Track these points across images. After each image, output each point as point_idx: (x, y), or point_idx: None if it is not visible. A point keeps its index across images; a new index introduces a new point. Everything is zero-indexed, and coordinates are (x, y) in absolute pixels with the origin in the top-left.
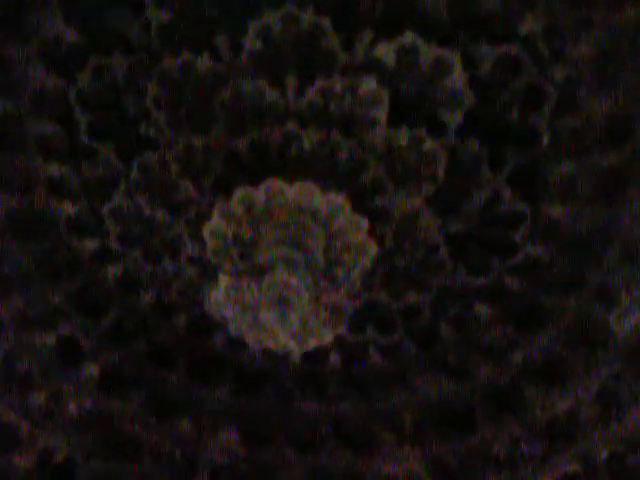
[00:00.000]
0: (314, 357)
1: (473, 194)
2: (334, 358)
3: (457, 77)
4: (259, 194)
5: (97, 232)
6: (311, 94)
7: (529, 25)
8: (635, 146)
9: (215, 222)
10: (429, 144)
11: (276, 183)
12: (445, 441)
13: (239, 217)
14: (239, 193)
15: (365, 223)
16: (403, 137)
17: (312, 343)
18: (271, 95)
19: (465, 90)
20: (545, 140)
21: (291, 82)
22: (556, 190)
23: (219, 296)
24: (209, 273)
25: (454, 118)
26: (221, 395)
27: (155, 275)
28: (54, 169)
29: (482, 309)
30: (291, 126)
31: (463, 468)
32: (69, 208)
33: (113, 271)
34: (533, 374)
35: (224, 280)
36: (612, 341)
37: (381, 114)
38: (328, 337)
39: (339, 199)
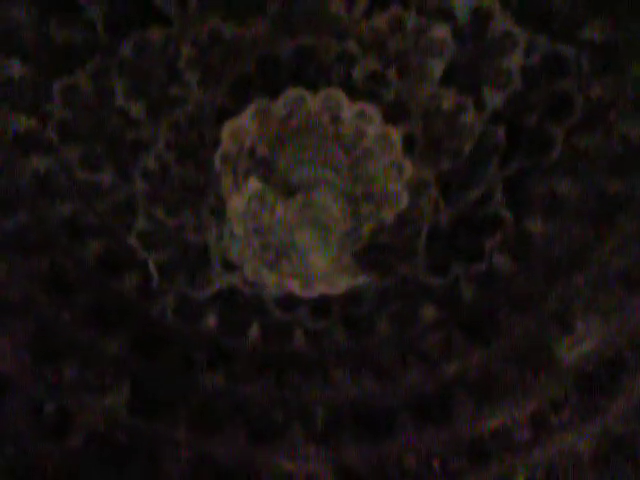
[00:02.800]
0: (233, 328)
1: (475, 185)
2: (255, 333)
3: (515, 61)
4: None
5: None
6: (379, 20)
7: (592, 32)
8: None
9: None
10: (470, 117)
11: (297, 91)
12: (357, 445)
13: (254, 132)
14: (254, 105)
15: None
16: (448, 100)
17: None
18: (336, 5)
19: (513, 75)
20: (556, 152)
21: (363, 1)
22: (543, 206)
23: (240, 206)
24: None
25: (495, 99)
26: (116, 347)
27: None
28: None
29: (428, 311)
30: (350, 45)
31: (371, 477)
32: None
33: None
34: (465, 387)
35: (253, 187)
36: (556, 367)
37: (438, 68)
38: (344, 285)
39: (369, 108)
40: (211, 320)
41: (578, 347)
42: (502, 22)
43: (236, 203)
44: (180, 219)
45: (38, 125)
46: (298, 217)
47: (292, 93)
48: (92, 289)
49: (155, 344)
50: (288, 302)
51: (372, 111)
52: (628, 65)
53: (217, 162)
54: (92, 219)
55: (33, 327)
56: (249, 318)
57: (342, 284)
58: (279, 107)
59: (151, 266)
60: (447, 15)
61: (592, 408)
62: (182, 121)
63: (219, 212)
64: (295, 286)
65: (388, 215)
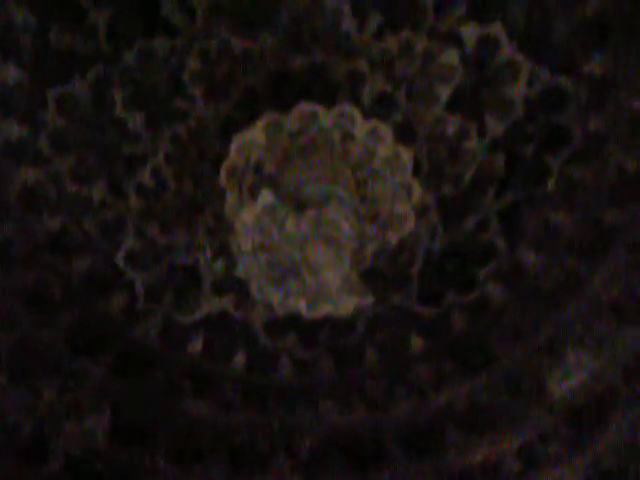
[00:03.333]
0: (218, 354)
1: (472, 212)
2: (241, 360)
3: (518, 91)
4: (288, 120)
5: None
6: (390, 41)
7: (591, 66)
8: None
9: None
10: (472, 143)
11: (309, 106)
12: (344, 477)
13: (262, 147)
14: (264, 119)
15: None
16: (453, 125)
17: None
18: (347, 24)
19: (516, 104)
20: (550, 184)
21: (375, 21)
22: (537, 236)
23: (250, 220)
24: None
25: (497, 127)
26: (98, 369)
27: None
28: None
29: (418, 341)
30: (360, 64)
31: None
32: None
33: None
34: (455, 418)
35: (264, 200)
36: (546, 399)
37: (445, 93)
38: (351, 305)
39: (382, 127)
40: (196, 345)
41: (568, 380)
42: (507, 51)
43: (246, 217)
44: (173, 238)
45: (30, 134)
46: (310, 233)
47: (304, 108)
48: (76, 307)
49: (138, 367)
50: (276, 329)
51: (384, 130)
52: (625, 99)
53: (222, 176)
54: (80, 235)
55: (11, 344)
56: (235, 344)
57: (349, 304)
58: (290, 121)
59: (138, 286)
60: (456, 41)
61: (581, 442)
62: (183, 135)
63: (215, 231)
64: (301, 306)
65: (392, 238)
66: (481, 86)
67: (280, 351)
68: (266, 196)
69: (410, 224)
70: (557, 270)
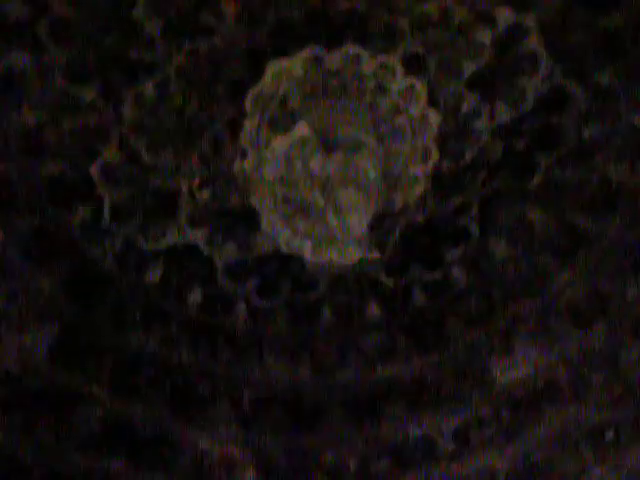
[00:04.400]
0: (172, 289)
1: (459, 194)
2: (195, 298)
3: (532, 82)
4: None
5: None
6: (432, 7)
7: (603, 75)
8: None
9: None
10: (482, 125)
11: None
12: (280, 433)
13: (296, 80)
14: (306, 51)
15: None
16: (468, 103)
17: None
18: None
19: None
20: (536, 180)
21: None
22: (510, 229)
23: (281, 149)
24: None
25: (506, 115)
26: (47, 283)
27: None
28: None
29: (375, 310)
30: (400, 21)
31: (289, 467)
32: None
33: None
34: (398, 392)
35: (302, 131)
36: (490, 386)
37: (469, 69)
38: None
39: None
40: (154, 275)
41: (513, 371)
42: (532, 43)
43: (277, 146)
44: (160, 159)
45: (31, 15)
46: (336, 175)
47: (350, 49)
48: (37, 213)
49: (89, 288)
50: (238, 273)
51: (420, 90)
52: (626, 112)
53: (248, 100)
54: (55, 136)
55: None
56: (194, 282)
57: (355, 255)
58: (332, 61)
59: (107, 203)
60: (490, 21)
61: (515, 431)
62: (203, 52)
63: (210, 159)
64: (306, 247)
65: (398, 200)
66: (501, 71)
67: (237, 296)
68: (302, 128)
69: (420, 189)
70: (523, 264)
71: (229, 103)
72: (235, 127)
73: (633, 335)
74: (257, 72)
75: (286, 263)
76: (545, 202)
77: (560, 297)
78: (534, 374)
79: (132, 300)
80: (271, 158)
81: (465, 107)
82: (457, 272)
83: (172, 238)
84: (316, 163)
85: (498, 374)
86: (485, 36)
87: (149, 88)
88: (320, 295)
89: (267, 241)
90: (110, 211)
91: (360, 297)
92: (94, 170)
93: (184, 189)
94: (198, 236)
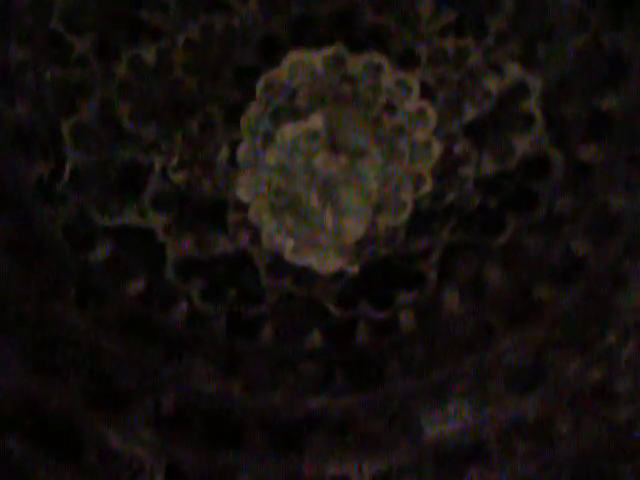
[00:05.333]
0: (116, 272)
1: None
2: (136, 287)
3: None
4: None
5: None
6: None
7: (602, 101)
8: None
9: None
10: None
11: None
12: (196, 448)
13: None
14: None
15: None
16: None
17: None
18: None
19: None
20: (500, 241)
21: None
22: (465, 286)
23: (290, 136)
24: None
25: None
26: None
27: None
28: None
29: (316, 337)
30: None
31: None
32: None
33: None
34: (326, 424)
35: (315, 123)
36: (417, 436)
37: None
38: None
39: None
40: (100, 254)
41: (443, 425)
42: (532, 105)
43: (288, 132)
44: (140, 130)
45: None
46: (338, 177)
47: (374, 57)
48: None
49: (32, 254)
50: (186, 269)
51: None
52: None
53: (259, 86)
54: (34, 79)
55: None
56: (139, 270)
57: (333, 265)
58: (354, 65)
59: (69, 165)
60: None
61: None
62: (218, 27)
63: (195, 142)
64: (287, 246)
65: (408, 199)
66: (498, 123)
67: (181, 294)
68: (317, 122)
69: (404, 216)
70: (472, 321)
71: (232, 88)
72: (232, 113)
73: (568, 409)
74: (269, 61)
75: (239, 270)
76: (505, 263)
77: (501, 360)
78: (463, 432)
79: (70, 275)
80: (278, 143)
81: (457, 149)
82: (406, 316)
83: (129, 217)
84: (321, 160)
85: (427, 426)
86: (492, 85)
87: (150, 53)
88: (265, 311)
89: (227, 243)
90: (70, 174)
91: (305, 322)
92: (65, 127)
93: (157, 167)
94: (158, 221)
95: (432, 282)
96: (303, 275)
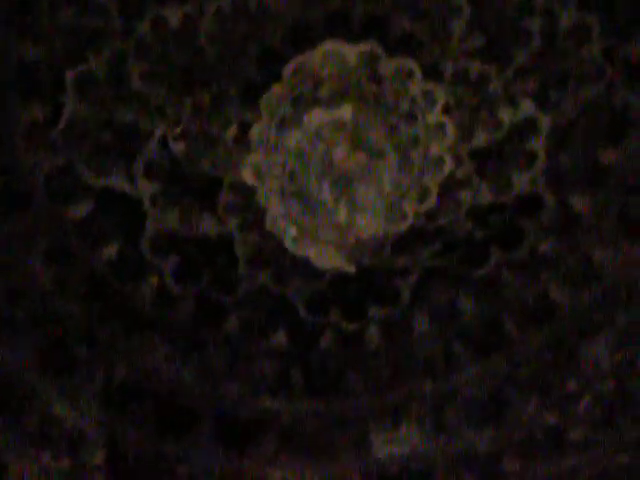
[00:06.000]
0: (88, 238)
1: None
2: (108, 254)
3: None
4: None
5: None
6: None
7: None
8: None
9: None
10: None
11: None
12: (142, 428)
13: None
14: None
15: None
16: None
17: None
18: None
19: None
20: (479, 273)
21: None
22: (437, 310)
23: (316, 121)
24: None
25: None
26: None
27: None
28: None
29: (281, 339)
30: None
31: (141, 468)
32: None
33: None
34: (276, 430)
35: (344, 112)
36: (365, 454)
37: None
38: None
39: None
40: (80, 211)
41: (392, 446)
42: (537, 144)
43: (315, 116)
44: (150, 89)
45: None
46: (359, 173)
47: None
48: None
49: (9, 195)
50: (165, 243)
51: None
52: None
53: (290, 67)
54: (46, 21)
55: None
56: (116, 235)
57: (330, 263)
58: (386, 68)
59: (66, 113)
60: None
61: None
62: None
63: (202, 117)
64: (289, 233)
65: (432, 185)
66: (503, 155)
67: (153, 268)
68: (347, 112)
69: (431, 201)
70: (438, 347)
71: (254, 67)
72: (248, 92)
73: (519, 449)
74: (296, 48)
75: (218, 255)
76: (481, 296)
77: (461, 390)
78: (412, 457)
79: (44, 228)
80: (304, 127)
81: (460, 173)
82: (374, 331)
83: (117, 181)
84: (341, 153)
85: (377, 445)
86: (505, 116)
87: (176, 17)
88: (235, 301)
89: (212, 225)
90: (65, 125)
91: (273, 320)
92: (70, 75)
93: (158, 134)
94: (145, 189)
95: (405, 302)
96: (281, 272)
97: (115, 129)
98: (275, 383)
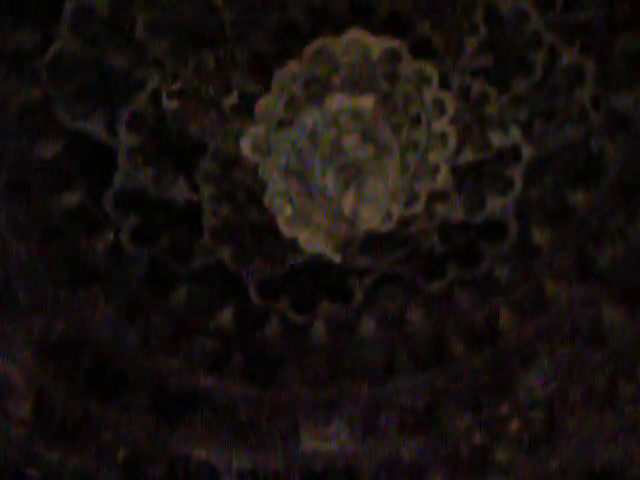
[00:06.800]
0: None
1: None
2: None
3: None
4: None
5: None
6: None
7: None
8: None
9: None
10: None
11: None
12: (74, 389)
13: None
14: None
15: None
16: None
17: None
18: None
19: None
20: (432, 287)
21: None
22: (386, 315)
23: (334, 106)
24: None
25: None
26: None
27: None
28: None
29: (226, 319)
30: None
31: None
32: None
33: None
34: (207, 407)
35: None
36: (292, 448)
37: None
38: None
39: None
40: (52, 151)
41: (320, 442)
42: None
43: (334, 101)
44: (154, 42)
45: None
46: (368, 165)
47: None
48: None
49: None
50: (129, 200)
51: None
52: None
53: (313, 46)
54: None
55: None
56: (80, 182)
57: (317, 247)
58: (405, 69)
59: (55, 46)
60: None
61: None
62: None
63: (204, 78)
64: (284, 212)
65: (422, 191)
66: (488, 171)
67: (111, 224)
68: (369, 101)
69: (442, 178)
70: (379, 353)
71: (271, 41)
72: (258, 63)
73: (445, 464)
74: (316, 33)
75: (183, 222)
76: (430, 310)
77: (397, 397)
78: (338, 456)
79: (7, 164)
80: (324, 107)
81: (452, 197)
82: (320, 326)
83: (93, 126)
84: (352, 141)
85: (305, 439)
86: (495, 139)
87: None
88: (186, 272)
89: (185, 191)
90: (52, 58)
91: (222, 298)
92: (69, 6)
93: (150, 87)
94: (124, 140)
95: (356, 303)
96: (243, 251)
97: (104, 73)
98: (214, 362)
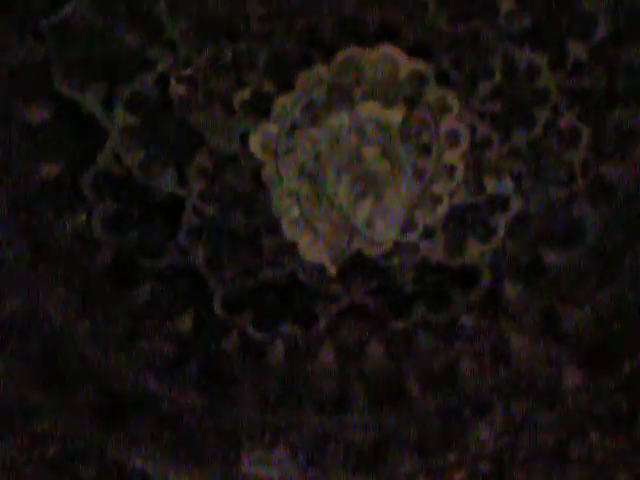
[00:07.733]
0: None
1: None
2: None
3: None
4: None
5: None
6: None
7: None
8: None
9: None
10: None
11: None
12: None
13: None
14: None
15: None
16: None
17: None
18: None
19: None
20: (400, 325)
21: None
22: (345, 347)
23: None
24: None
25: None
26: None
27: None
28: None
29: (186, 325)
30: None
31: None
32: None
33: None
34: (150, 411)
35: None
36: (230, 468)
37: None
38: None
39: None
40: (38, 116)
41: (262, 467)
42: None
43: (365, 110)
44: (177, 28)
45: None
46: (382, 177)
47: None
48: None
49: None
50: (109, 185)
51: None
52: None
53: (343, 54)
54: None
55: None
56: (62, 155)
57: (314, 255)
58: (429, 94)
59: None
60: None
61: None
62: None
63: (217, 70)
64: (290, 213)
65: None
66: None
67: (84, 207)
68: (397, 116)
69: (442, 210)
70: (337, 386)
71: (297, 43)
72: (280, 62)
73: None
74: (342, 43)
75: (162, 216)
76: (390, 348)
77: (345, 432)
78: None
79: None
80: (356, 112)
81: (438, 236)
82: (278, 348)
83: (91, 102)
84: (372, 152)
85: (246, 461)
86: (489, 186)
87: None
88: (152, 271)
89: (171, 182)
90: (60, 19)
91: (184, 302)
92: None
93: (159, 68)
94: (120, 120)
95: (318, 329)
96: (217, 256)
97: (112, 46)
98: (167, 368)
